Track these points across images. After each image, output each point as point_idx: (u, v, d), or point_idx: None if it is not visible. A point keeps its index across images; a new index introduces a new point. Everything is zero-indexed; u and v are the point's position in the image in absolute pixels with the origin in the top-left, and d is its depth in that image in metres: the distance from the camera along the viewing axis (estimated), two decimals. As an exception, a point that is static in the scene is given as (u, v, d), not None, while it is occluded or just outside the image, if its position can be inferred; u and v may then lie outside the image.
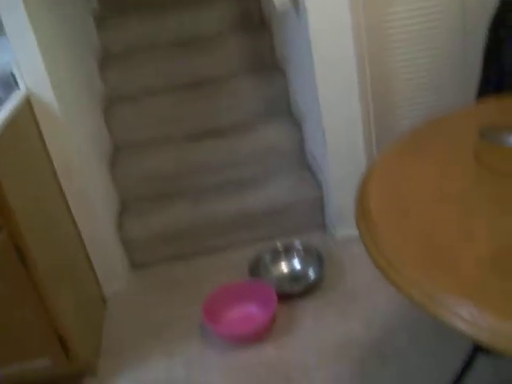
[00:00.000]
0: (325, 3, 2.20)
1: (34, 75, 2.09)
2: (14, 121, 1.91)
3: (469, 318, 0.91)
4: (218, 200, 2.82)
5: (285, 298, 2.32)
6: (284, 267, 2.53)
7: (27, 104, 2.08)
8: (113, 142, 3.08)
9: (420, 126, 1.55)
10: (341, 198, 2.53)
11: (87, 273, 2.42)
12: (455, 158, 1.38)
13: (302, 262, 2.53)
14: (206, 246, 2.75)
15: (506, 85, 1.95)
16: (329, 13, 2.22)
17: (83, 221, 2.38)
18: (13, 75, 2.07)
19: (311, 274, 2.46)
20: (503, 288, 0.94)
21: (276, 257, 2.55)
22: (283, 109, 3.13)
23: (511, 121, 1.39)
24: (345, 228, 2.58)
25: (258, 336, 2.18)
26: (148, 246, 2.73)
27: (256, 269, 2.48)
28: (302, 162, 2.96)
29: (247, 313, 2.30)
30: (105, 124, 3.02)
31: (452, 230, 1.13)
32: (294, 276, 2.50)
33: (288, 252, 2.55)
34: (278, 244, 2.58)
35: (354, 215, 1.31)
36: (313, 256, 2.49)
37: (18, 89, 2.09)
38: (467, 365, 1.81)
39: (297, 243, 2.56)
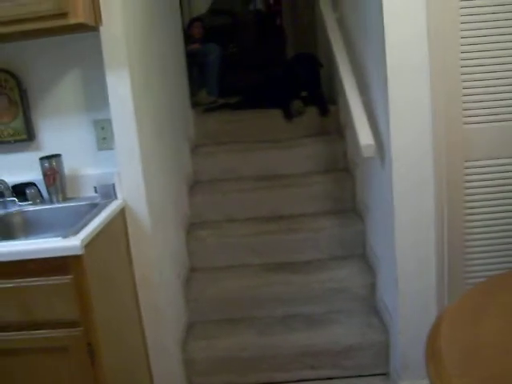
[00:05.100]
0: (410, 154, 2.29)
1: (132, 189, 2.27)
2: (107, 227, 2.07)
3: None
4: (283, 333, 2.82)
5: None
6: (342, 410, 2.47)
7: (121, 213, 2.24)
8: (190, 263, 3.19)
9: (495, 276, 1.57)
10: (408, 346, 2.48)
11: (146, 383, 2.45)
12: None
13: (361, 407, 2.46)
14: (265, 378, 2.72)
15: None
16: (413, 165, 2.30)
17: (151, 332, 2.44)
18: (113, 186, 2.26)
19: (370, 421, 2.39)
20: None
21: (335, 398, 2.50)
22: (358, 252, 3.19)
23: None
24: (409, 377, 2.50)
25: None
26: (208, 368, 2.72)
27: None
28: (372, 306, 2.95)
29: None
30: (185, 245, 3.15)
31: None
32: (351, 421, 2.43)
33: (348, 395, 2.50)
34: (339, 386, 2.54)
35: (424, 355, 1.32)
36: (373, 403, 2.43)
37: (116, 198, 2.26)
38: None
39: (358, 387, 2.52)
